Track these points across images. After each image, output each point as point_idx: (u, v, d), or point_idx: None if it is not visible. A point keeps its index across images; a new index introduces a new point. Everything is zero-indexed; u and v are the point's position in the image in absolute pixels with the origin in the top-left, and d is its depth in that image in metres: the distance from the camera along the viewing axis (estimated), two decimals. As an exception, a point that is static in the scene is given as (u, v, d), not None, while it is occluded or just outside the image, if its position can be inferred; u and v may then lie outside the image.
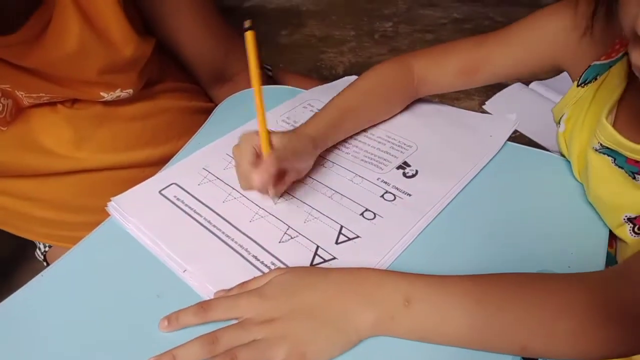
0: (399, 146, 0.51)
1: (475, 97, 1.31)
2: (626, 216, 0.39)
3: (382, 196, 0.45)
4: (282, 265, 0.39)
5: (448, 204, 0.44)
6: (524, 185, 0.47)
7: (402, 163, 0.49)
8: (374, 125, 0.54)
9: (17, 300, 0.38)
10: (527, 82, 1.29)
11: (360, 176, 0.47)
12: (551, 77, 1.28)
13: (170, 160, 0.51)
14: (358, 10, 1.83)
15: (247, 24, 0.41)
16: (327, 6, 1.87)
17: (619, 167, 0.39)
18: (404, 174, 0.47)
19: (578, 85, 0.45)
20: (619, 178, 0.39)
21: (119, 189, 0.56)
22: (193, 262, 0.39)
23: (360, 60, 1.57)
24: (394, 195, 0.45)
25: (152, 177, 0.48)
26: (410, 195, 0.45)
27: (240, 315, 0.34)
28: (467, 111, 0.56)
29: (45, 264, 0.66)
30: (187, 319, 0.34)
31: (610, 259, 0.44)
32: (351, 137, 0.53)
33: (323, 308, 0.33)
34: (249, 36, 0.40)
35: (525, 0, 1.70)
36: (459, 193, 0.45)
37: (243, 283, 0.37)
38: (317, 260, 0.39)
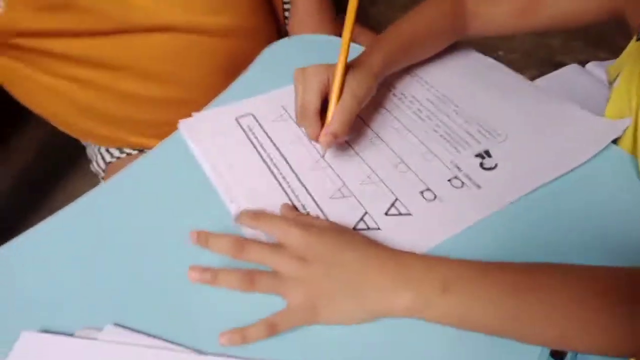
0: (487, 131, 0.47)
1: (526, 71, 1.16)
2: None
3: (449, 180, 0.42)
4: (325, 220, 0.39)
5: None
6: (595, 188, 0.42)
7: (483, 152, 0.45)
8: (466, 102, 0.50)
9: (74, 211, 0.40)
10: (583, 63, 1.13)
11: (433, 153, 0.45)
12: (610, 60, 1.11)
13: (236, 81, 0.52)
14: None
15: None
16: None
17: None
18: (481, 165, 0.44)
19: (638, 39, 0.41)
20: None
21: (203, 59, 0.56)
22: (243, 195, 0.41)
23: None
24: (462, 182, 0.42)
25: (233, 103, 0.49)
26: (479, 187, 0.42)
27: (281, 238, 0.34)
28: (574, 106, 0.49)
29: (102, 175, 0.66)
30: (244, 218, 0.36)
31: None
32: (439, 108, 0.49)
33: (358, 274, 0.32)
34: None
35: None
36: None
37: (302, 214, 0.38)
38: (361, 225, 0.39)
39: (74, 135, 0.67)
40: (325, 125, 0.40)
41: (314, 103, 0.40)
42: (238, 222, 0.37)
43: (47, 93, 0.58)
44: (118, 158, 0.67)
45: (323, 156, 0.43)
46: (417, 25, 0.49)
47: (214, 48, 0.54)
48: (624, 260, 0.36)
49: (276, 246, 0.34)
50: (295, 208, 0.40)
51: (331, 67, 0.41)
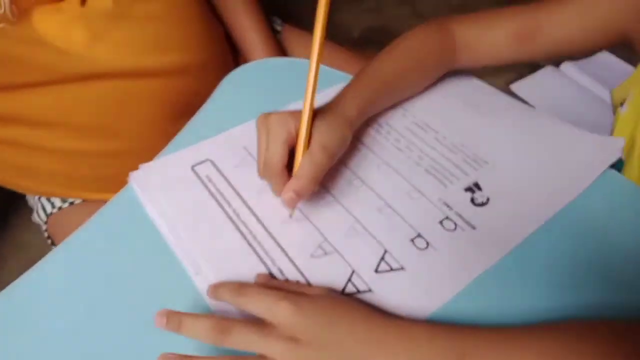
0: (473, 160, 0.43)
1: (502, 74, 1.16)
2: None
3: (440, 222, 0.38)
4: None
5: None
6: (610, 220, 0.38)
7: (473, 184, 0.41)
8: (448, 128, 0.46)
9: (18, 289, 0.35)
10: (557, 64, 1.17)
11: (419, 191, 0.40)
12: (583, 58, 1.17)
13: (189, 123, 0.46)
14: None
15: None
16: None
17: None
18: (472, 200, 0.39)
19: None
20: None
21: (143, 106, 0.51)
22: (209, 263, 0.35)
23: (379, 24, 1.41)
24: (455, 224, 0.38)
25: (187, 148, 0.43)
26: (474, 228, 0.37)
27: (267, 316, 0.29)
28: (564, 124, 0.46)
29: (44, 227, 0.61)
30: (224, 292, 0.31)
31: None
32: (418, 136, 0.45)
33: (355, 354, 0.27)
34: None
35: None
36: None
37: (285, 281, 0.33)
38: (350, 288, 0.33)
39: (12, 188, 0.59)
40: (290, 180, 0.35)
41: (279, 156, 0.35)
42: (213, 297, 0.31)
43: None
44: (60, 208, 0.59)
45: (291, 216, 0.37)
46: (397, 64, 0.45)
47: (160, 90, 0.49)
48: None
49: (263, 327, 0.29)
50: (271, 275, 0.34)
51: (298, 113, 0.36)
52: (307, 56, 0.36)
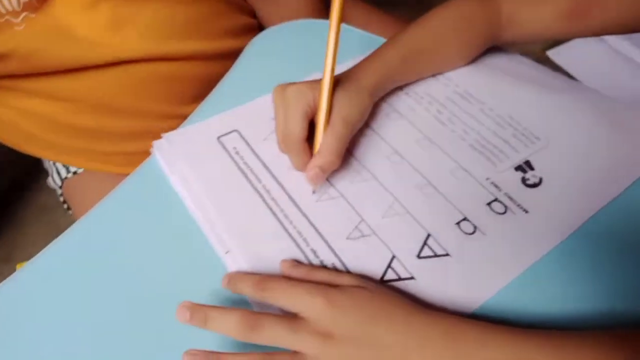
0: (523, 135, 0.39)
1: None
2: None
3: (489, 204, 0.34)
4: (343, 269, 0.31)
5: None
6: None
7: (524, 163, 0.37)
8: (495, 100, 0.42)
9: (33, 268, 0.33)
10: None
11: (464, 169, 0.37)
12: None
13: (214, 90, 0.43)
14: None
15: None
16: None
17: None
18: (524, 180, 0.36)
19: None
20: None
21: (165, 87, 0.48)
22: (239, 242, 0.32)
23: None
24: (505, 206, 0.34)
25: (212, 118, 0.40)
26: (527, 212, 0.34)
27: (298, 310, 0.27)
28: (618, 102, 0.42)
29: (59, 191, 0.60)
30: (243, 287, 0.29)
31: None
32: (462, 108, 0.41)
33: (394, 355, 0.25)
34: None
35: None
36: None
37: (312, 268, 0.31)
38: (390, 275, 0.31)
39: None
40: (313, 156, 0.33)
41: (298, 131, 0.33)
42: (232, 289, 0.29)
43: None
44: (75, 173, 0.58)
45: (314, 192, 0.35)
46: (432, 33, 0.41)
47: (184, 72, 0.46)
48: None
49: (294, 321, 0.26)
50: (304, 258, 0.31)
51: (316, 84, 0.33)
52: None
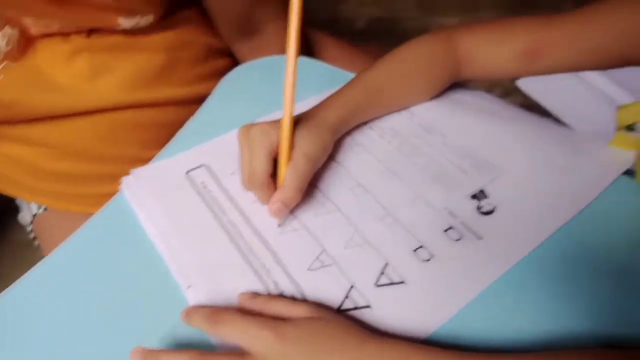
0: (480, 166, 0.41)
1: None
2: None
3: (445, 231, 0.36)
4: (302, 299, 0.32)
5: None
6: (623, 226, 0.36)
7: (479, 192, 0.39)
8: (455, 133, 0.44)
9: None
10: None
11: (424, 199, 0.38)
12: None
13: (184, 127, 0.46)
14: None
15: None
16: None
17: None
18: (478, 208, 0.37)
19: None
20: None
21: (140, 133, 0.49)
22: (202, 277, 0.33)
23: (384, 15, 1.36)
24: (460, 233, 0.36)
25: (181, 154, 0.42)
26: (480, 238, 0.35)
27: (246, 345, 0.28)
28: (572, 130, 0.45)
29: (29, 228, 0.60)
30: (198, 319, 0.30)
31: None
32: (424, 140, 0.43)
33: None
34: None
35: None
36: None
37: (269, 297, 0.32)
38: (348, 304, 0.32)
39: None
40: (276, 191, 0.35)
41: (262, 169, 0.35)
42: (189, 323, 0.30)
43: None
44: (45, 209, 0.59)
45: (279, 225, 0.36)
46: (395, 71, 0.43)
47: (161, 118, 0.48)
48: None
49: (246, 357, 0.27)
50: (255, 294, 0.32)
51: (279, 123, 0.35)
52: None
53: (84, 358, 0.30)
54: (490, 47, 0.43)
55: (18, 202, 0.62)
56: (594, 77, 1.07)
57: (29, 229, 0.60)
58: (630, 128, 0.41)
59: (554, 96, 1.07)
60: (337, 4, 1.44)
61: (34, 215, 0.58)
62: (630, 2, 0.37)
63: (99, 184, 0.52)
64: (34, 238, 0.60)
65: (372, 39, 1.37)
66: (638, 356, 0.27)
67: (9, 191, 0.55)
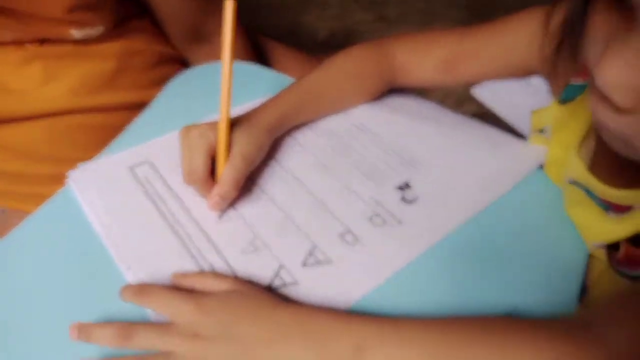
0: (406, 161, 0.45)
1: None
2: (595, 244, 0.38)
3: (370, 218, 0.39)
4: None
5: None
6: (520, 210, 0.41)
7: (404, 183, 0.43)
8: (385, 129, 0.48)
9: None
10: None
11: (353, 190, 0.42)
12: None
13: (131, 124, 0.48)
14: None
15: None
16: None
17: (592, 199, 0.38)
18: (402, 198, 0.41)
19: (559, 103, 0.41)
20: (591, 208, 0.38)
21: (91, 136, 0.51)
22: (140, 260, 0.35)
23: (344, 27, 1.45)
24: (383, 219, 0.39)
25: (126, 150, 0.44)
26: (401, 223, 0.39)
27: (171, 316, 0.30)
28: (495, 129, 0.49)
29: None
30: (128, 294, 0.32)
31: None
32: (356, 138, 0.47)
33: (257, 348, 0.28)
34: (229, 7, 0.35)
35: None
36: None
37: (198, 274, 0.34)
38: (277, 282, 0.35)
39: None
40: (214, 186, 0.38)
41: (201, 167, 0.37)
42: (123, 298, 0.32)
43: None
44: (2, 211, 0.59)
45: (219, 218, 0.39)
46: (331, 77, 0.47)
47: (109, 123, 0.50)
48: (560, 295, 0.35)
49: (165, 326, 0.29)
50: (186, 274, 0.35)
51: (217, 125, 0.38)
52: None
53: (29, 338, 0.32)
54: (415, 58, 0.48)
55: None
56: (542, 84, 1.15)
57: None
58: (541, 131, 0.46)
59: (504, 103, 1.15)
60: (299, 17, 1.49)
61: None
62: (526, 19, 0.42)
63: (50, 184, 0.53)
64: None
65: (333, 50, 1.43)
66: (536, 323, 0.30)
67: None
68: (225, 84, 0.37)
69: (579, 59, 0.36)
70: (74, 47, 0.51)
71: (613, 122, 0.27)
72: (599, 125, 0.29)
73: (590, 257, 0.39)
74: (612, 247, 0.38)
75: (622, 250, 0.37)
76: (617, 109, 0.25)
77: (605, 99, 0.26)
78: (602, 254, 0.38)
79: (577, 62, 0.37)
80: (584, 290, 0.40)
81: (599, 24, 0.27)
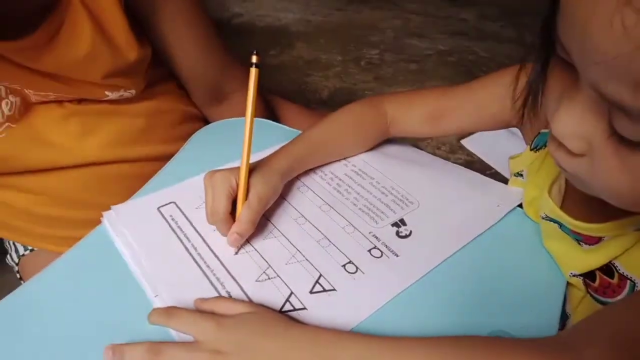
0: (400, 201, 0.50)
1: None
2: (572, 273, 0.43)
3: (369, 251, 0.44)
4: (253, 305, 0.39)
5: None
6: (502, 245, 0.46)
7: (399, 220, 0.48)
8: (382, 174, 0.54)
9: None
10: None
11: (353, 226, 0.47)
12: None
13: (159, 172, 0.54)
14: (346, 35, 1.84)
15: (254, 59, 0.41)
16: (316, 29, 1.89)
17: (565, 233, 0.43)
18: (397, 233, 0.46)
19: (531, 150, 0.47)
20: (565, 240, 0.43)
21: (122, 184, 0.56)
22: (167, 288, 0.40)
23: (345, 86, 1.56)
24: (381, 252, 0.44)
25: (154, 193, 0.50)
26: (397, 256, 0.44)
27: (195, 334, 0.34)
28: (477, 174, 0.55)
29: (16, 268, 0.66)
30: (156, 316, 0.37)
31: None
32: (356, 182, 0.53)
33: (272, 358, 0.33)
34: (253, 73, 0.41)
35: (510, 37, 1.69)
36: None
37: (218, 298, 0.39)
38: (287, 307, 0.39)
39: None
40: (234, 224, 0.43)
41: (223, 207, 0.43)
42: (151, 321, 0.36)
43: None
44: (31, 250, 0.64)
45: (236, 253, 0.44)
46: (332, 130, 0.53)
47: (138, 173, 0.55)
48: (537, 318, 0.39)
49: (191, 344, 0.34)
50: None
51: (237, 170, 0.44)
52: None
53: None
54: (405, 112, 0.55)
55: (5, 245, 0.67)
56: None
57: (15, 269, 0.65)
58: (519, 174, 0.51)
59: (490, 151, 1.22)
60: (304, 77, 1.62)
61: (21, 256, 0.63)
62: (499, 79, 0.49)
63: (83, 228, 0.59)
64: (20, 278, 0.65)
65: (336, 106, 1.53)
66: (518, 342, 0.33)
67: (7, 234, 0.60)
68: (247, 137, 0.43)
69: (541, 112, 0.42)
70: (108, 105, 0.57)
71: (569, 164, 0.32)
72: (559, 167, 0.34)
73: (570, 285, 0.44)
74: (588, 277, 0.42)
75: (598, 279, 0.42)
76: (571, 154, 0.31)
77: (561, 145, 0.31)
78: (579, 283, 0.43)
79: (540, 115, 0.43)
80: (565, 316, 0.44)
81: (554, 85, 0.33)
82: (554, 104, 0.31)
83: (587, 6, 0.24)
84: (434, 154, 0.62)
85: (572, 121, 0.29)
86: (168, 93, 0.64)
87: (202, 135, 0.61)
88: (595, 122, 0.28)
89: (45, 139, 0.54)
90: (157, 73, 0.62)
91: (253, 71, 0.41)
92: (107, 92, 0.55)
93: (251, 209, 0.43)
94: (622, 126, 0.26)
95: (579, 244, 0.42)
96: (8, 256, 0.66)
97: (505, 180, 0.55)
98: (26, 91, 0.51)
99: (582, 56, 0.26)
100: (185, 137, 0.60)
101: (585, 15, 0.24)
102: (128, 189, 0.51)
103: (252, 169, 0.45)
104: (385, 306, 0.40)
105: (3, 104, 0.49)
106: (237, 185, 0.43)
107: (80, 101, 0.56)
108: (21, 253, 0.64)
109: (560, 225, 0.43)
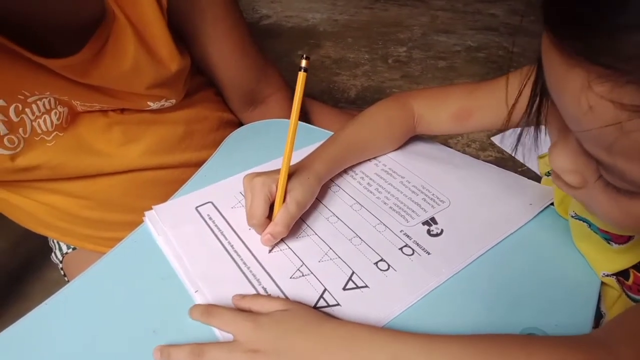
0: (431, 199, 0.51)
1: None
2: (604, 273, 0.42)
3: (400, 249, 0.45)
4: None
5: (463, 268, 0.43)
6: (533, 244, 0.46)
7: (430, 219, 0.48)
8: (412, 174, 0.54)
9: (35, 316, 0.40)
10: None
11: (384, 224, 0.48)
12: None
13: (195, 174, 0.56)
14: (373, 33, 1.83)
15: (304, 63, 0.41)
16: (343, 28, 1.89)
17: (594, 231, 0.43)
18: (429, 232, 0.47)
19: None
20: (595, 239, 0.43)
21: (161, 189, 0.59)
22: (206, 284, 0.42)
23: (373, 84, 1.56)
24: (412, 250, 0.45)
25: (192, 193, 0.52)
26: (429, 254, 0.44)
27: (234, 333, 0.36)
28: (509, 172, 0.55)
29: (60, 265, 0.69)
30: (196, 314, 0.39)
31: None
32: (386, 181, 0.53)
33: (307, 358, 0.34)
34: (301, 78, 0.41)
35: (541, 32, 1.63)
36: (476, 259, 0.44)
37: (255, 296, 0.40)
38: (321, 303, 0.40)
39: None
40: (269, 224, 0.44)
41: (261, 211, 0.44)
42: (193, 318, 0.38)
43: (12, 208, 0.60)
44: (74, 249, 0.67)
45: (270, 251, 0.45)
46: (363, 130, 0.54)
47: (177, 179, 0.58)
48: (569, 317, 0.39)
49: (230, 343, 0.36)
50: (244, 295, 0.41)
51: (276, 175, 0.45)
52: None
53: (124, 354, 0.38)
54: (431, 110, 0.55)
55: (51, 243, 0.71)
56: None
57: (60, 266, 0.69)
58: (548, 174, 0.51)
59: (524, 148, 1.19)
60: (333, 76, 1.64)
61: (64, 254, 0.67)
62: (519, 76, 0.48)
63: (123, 230, 0.61)
64: (64, 275, 0.69)
65: (364, 105, 1.55)
66: (554, 340, 0.33)
67: (44, 232, 0.64)
68: (289, 142, 0.44)
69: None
70: (149, 114, 0.60)
71: (570, 192, 0.33)
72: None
73: (604, 285, 0.43)
74: (622, 275, 0.42)
75: (632, 277, 0.41)
76: (569, 186, 0.32)
77: (559, 177, 0.32)
78: (613, 282, 0.42)
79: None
80: (600, 315, 0.44)
81: (554, 114, 0.32)
82: (555, 133, 0.32)
83: (559, 81, 0.26)
84: (463, 151, 0.62)
85: (567, 159, 0.31)
86: (206, 100, 0.66)
87: (235, 137, 0.63)
88: (586, 162, 0.29)
89: (90, 146, 0.57)
90: (195, 81, 0.64)
91: (301, 75, 0.41)
92: (149, 103, 0.58)
93: (288, 213, 0.44)
94: (605, 174, 0.28)
95: (609, 243, 0.42)
96: (52, 254, 0.70)
97: (537, 178, 0.55)
98: (73, 102, 0.54)
99: (563, 114, 0.28)
100: (221, 142, 0.62)
101: (559, 88, 0.26)
102: (167, 194, 0.54)
103: (291, 173, 0.46)
104: (417, 303, 0.40)
105: (52, 114, 0.52)
106: (276, 191, 0.45)
107: (123, 110, 0.59)
108: (65, 251, 0.68)
109: (590, 224, 0.42)
